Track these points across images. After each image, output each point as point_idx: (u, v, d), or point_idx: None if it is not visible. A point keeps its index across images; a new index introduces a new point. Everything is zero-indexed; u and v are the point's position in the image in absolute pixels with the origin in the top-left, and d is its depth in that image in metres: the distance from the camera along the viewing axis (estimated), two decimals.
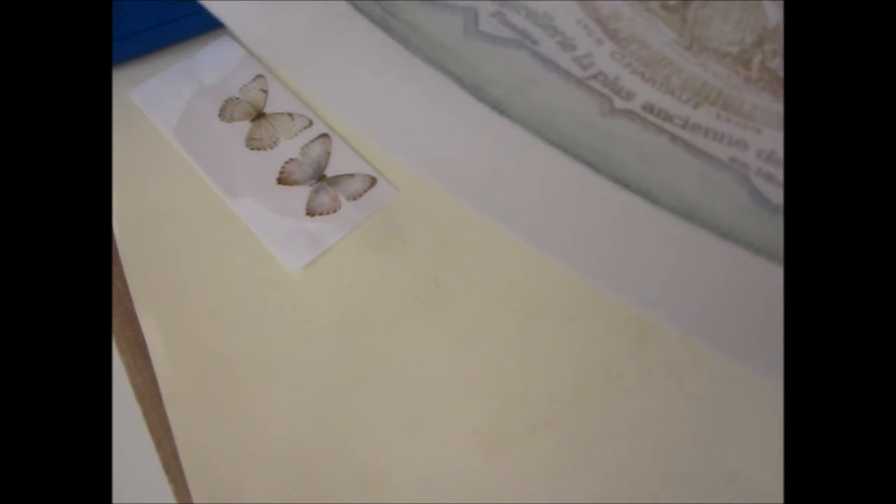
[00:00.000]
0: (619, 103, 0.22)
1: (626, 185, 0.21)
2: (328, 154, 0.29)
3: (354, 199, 0.28)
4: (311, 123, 0.30)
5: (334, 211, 0.28)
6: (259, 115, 0.30)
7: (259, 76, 0.31)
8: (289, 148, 0.29)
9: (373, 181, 0.28)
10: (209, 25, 0.32)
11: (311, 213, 0.28)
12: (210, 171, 0.29)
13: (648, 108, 0.22)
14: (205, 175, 0.28)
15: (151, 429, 0.24)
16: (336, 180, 0.28)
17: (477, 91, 0.22)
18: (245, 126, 0.30)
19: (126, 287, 0.26)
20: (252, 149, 0.29)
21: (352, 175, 0.28)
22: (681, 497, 0.22)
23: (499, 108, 0.22)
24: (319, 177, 0.28)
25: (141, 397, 0.24)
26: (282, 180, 0.28)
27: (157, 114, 0.30)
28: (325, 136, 0.29)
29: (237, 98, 0.31)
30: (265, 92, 0.31)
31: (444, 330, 0.25)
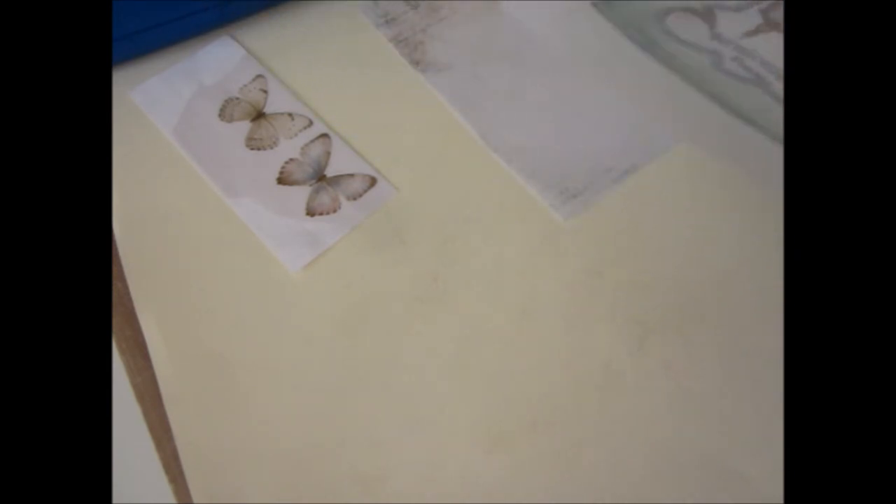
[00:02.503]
0: None
1: None
2: (328, 154, 0.29)
3: (354, 199, 0.28)
4: (311, 123, 0.30)
5: (334, 211, 0.28)
6: (259, 115, 0.30)
7: (259, 76, 0.31)
8: (289, 148, 0.29)
9: (373, 181, 0.28)
10: (209, 25, 0.32)
11: (311, 213, 0.28)
12: (210, 171, 0.29)
13: None
14: (205, 175, 0.28)
15: (151, 429, 0.24)
16: (336, 180, 0.28)
17: (728, 110, 0.29)
18: (245, 126, 0.30)
19: (126, 287, 0.26)
20: (252, 149, 0.29)
21: (352, 175, 0.28)
22: (681, 497, 0.22)
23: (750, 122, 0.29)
24: (319, 177, 0.28)
25: (141, 397, 0.24)
26: (282, 180, 0.28)
27: (157, 114, 0.30)
28: (325, 136, 0.29)
29: (237, 98, 0.31)
30: (265, 92, 0.31)
31: (443, 330, 0.25)
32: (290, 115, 0.30)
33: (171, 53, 0.32)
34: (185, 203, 0.28)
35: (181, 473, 0.23)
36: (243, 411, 0.24)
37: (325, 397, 0.24)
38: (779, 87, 0.29)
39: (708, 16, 0.31)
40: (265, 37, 0.32)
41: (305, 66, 0.31)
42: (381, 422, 0.24)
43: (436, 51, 0.32)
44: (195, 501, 0.22)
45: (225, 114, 0.30)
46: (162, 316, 0.25)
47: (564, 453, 0.23)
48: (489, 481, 0.23)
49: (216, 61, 0.32)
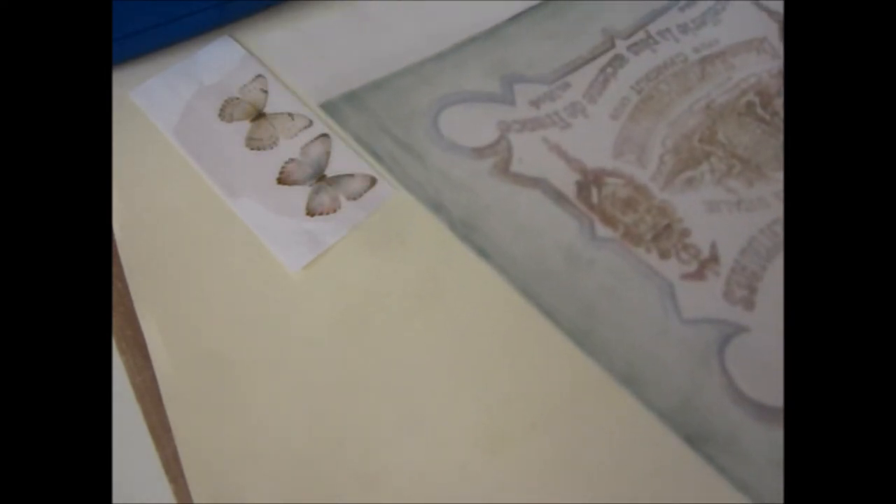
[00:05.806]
0: None
1: None
2: (328, 154, 0.29)
3: (354, 199, 0.28)
4: (311, 123, 0.30)
5: (334, 211, 0.28)
6: (259, 115, 0.30)
7: (259, 76, 0.31)
8: (289, 148, 0.29)
9: (373, 181, 0.28)
10: (209, 25, 0.32)
11: (311, 213, 0.28)
12: (210, 171, 0.29)
13: None
14: (205, 175, 0.28)
15: (151, 429, 0.24)
16: (336, 180, 0.28)
17: None
18: (245, 126, 0.30)
19: (126, 287, 0.26)
20: (252, 149, 0.29)
21: (352, 175, 0.28)
22: (682, 497, 0.22)
23: None
24: (319, 177, 0.28)
25: (141, 397, 0.24)
26: (282, 180, 0.28)
27: (157, 114, 0.30)
28: (325, 136, 0.29)
29: (237, 98, 0.31)
30: (265, 92, 0.31)
31: (443, 329, 0.25)
32: (290, 115, 0.30)
33: (171, 53, 0.32)
34: (185, 203, 0.28)
35: (181, 473, 0.23)
36: (243, 411, 0.24)
37: (325, 397, 0.24)
38: None
39: None
40: (265, 37, 0.32)
41: (305, 66, 0.31)
42: (380, 422, 0.24)
43: None
44: (195, 501, 0.22)
45: (225, 114, 0.30)
46: (162, 316, 0.26)
47: (564, 452, 0.23)
48: (489, 481, 0.23)
49: (216, 61, 0.32)
